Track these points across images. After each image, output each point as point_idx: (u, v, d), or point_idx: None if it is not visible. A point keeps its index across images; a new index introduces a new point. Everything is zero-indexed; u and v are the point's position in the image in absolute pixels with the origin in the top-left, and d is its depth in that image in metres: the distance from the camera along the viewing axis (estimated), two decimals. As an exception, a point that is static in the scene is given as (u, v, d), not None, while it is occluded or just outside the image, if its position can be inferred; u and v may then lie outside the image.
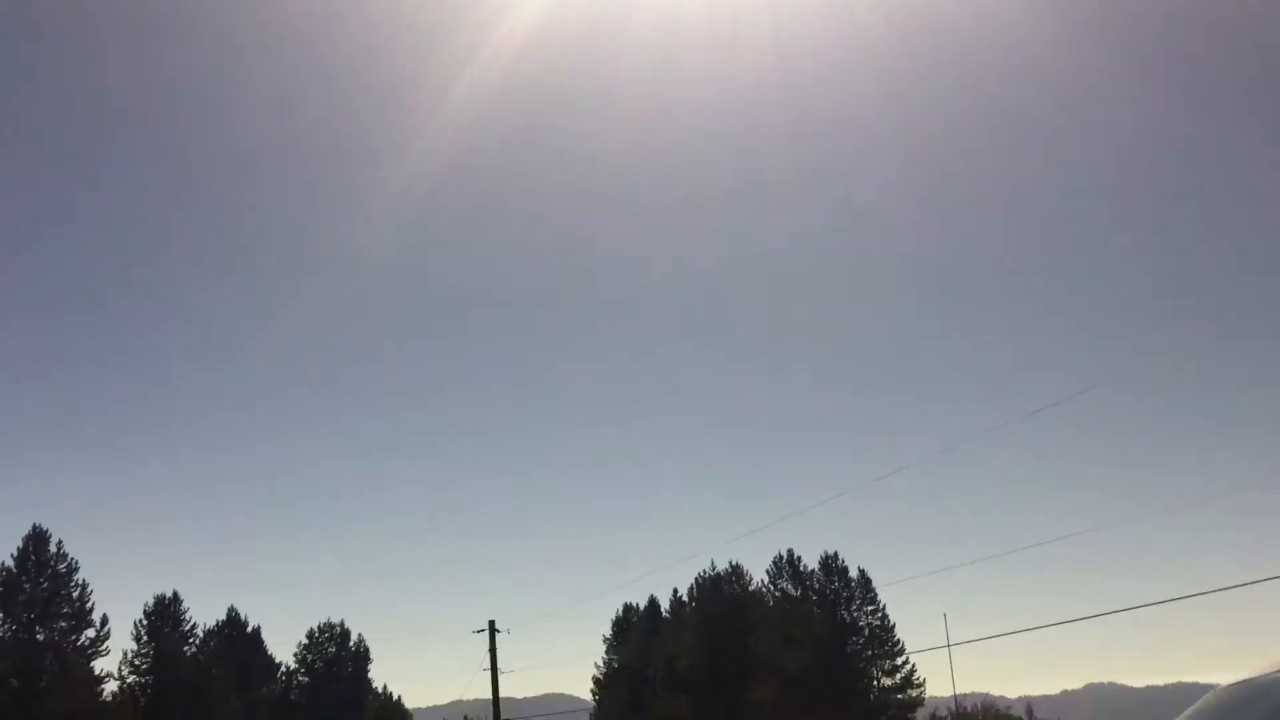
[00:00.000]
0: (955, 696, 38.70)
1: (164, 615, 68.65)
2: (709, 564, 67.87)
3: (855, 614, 61.97)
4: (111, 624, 61.00)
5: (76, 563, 60.26)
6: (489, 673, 53.80)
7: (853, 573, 62.64)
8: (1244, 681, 5.14)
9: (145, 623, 67.95)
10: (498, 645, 54.15)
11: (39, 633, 58.34)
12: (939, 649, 70.71)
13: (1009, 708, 37.98)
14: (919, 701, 59.31)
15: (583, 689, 78.38)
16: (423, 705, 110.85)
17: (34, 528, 59.98)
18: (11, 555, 59.05)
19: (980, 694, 40.17)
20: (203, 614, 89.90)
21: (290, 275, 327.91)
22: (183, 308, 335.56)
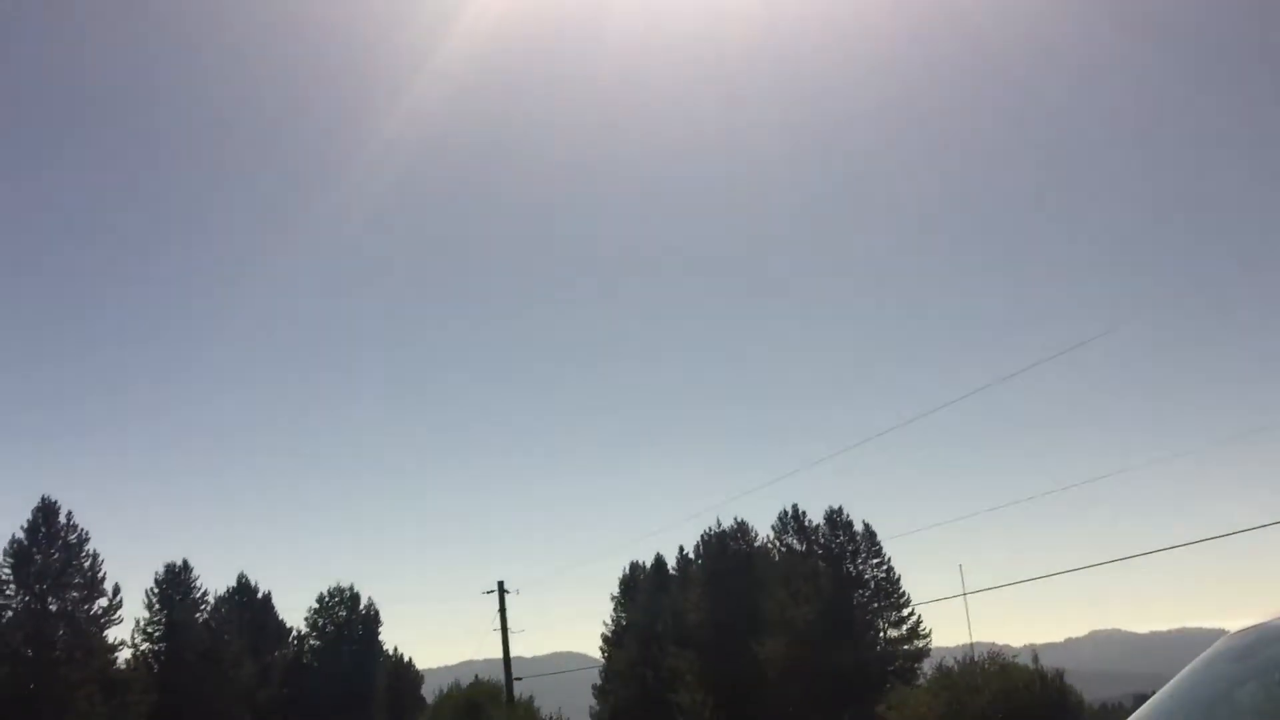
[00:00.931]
0: (972, 644, 38.94)
1: (175, 583, 69.18)
2: (714, 521, 68.22)
3: (860, 567, 62.31)
4: (123, 593, 61.44)
5: (87, 533, 60.60)
6: (499, 633, 54.36)
7: (857, 526, 62.97)
8: (1255, 627, 5.20)
9: (156, 591, 68.49)
10: (507, 605, 54.69)
11: (51, 603, 58.72)
12: (946, 600, 71.22)
13: (1015, 656, 38.16)
14: (925, 652, 59.76)
15: (592, 647, 79.11)
16: (434, 666, 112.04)
17: (43, 499, 60.25)
18: (21, 527, 59.40)
19: (986, 643, 40.38)
20: (213, 581, 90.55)
21: (292, 242, 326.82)
22: (188, 279, 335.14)
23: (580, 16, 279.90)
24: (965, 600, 34.86)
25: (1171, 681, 5.26)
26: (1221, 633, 5.49)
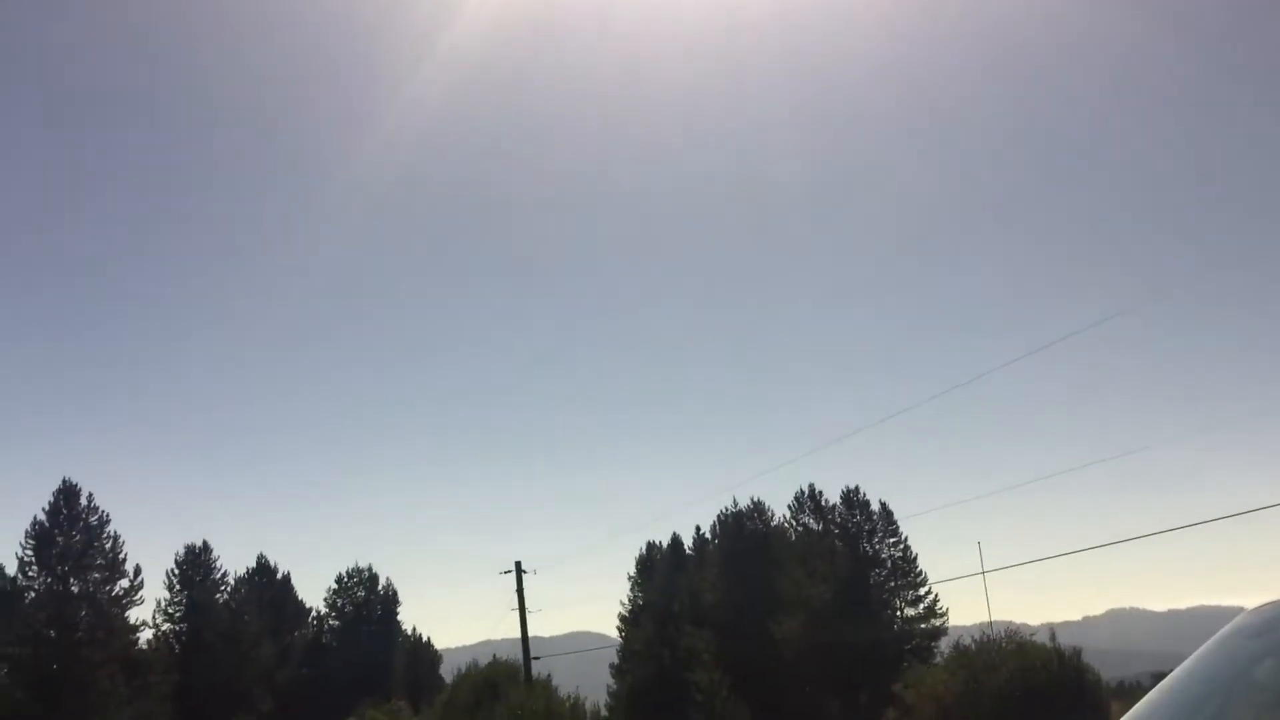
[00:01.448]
0: (991, 622, 38.95)
1: (195, 564, 69.76)
2: (731, 501, 68.30)
3: (877, 546, 62.30)
4: (144, 574, 61.92)
5: (108, 515, 61.05)
6: (517, 613, 54.63)
7: (874, 506, 62.93)
8: (1272, 603, 5.19)
9: (177, 572, 69.10)
10: (525, 585, 54.93)
11: (73, 585, 59.22)
12: (963, 578, 71.16)
13: (1033, 634, 38.12)
14: (942, 631, 59.74)
15: (609, 627, 79.37)
16: (452, 645, 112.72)
17: (64, 481, 60.72)
18: (43, 509, 59.91)
19: (1004, 622, 40.36)
20: (233, 562, 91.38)
21: (310, 222, 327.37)
22: (206, 259, 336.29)
23: (584, 8, 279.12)
24: (984, 579, 34.87)
25: (1189, 659, 5.27)
26: (1239, 610, 5.48)
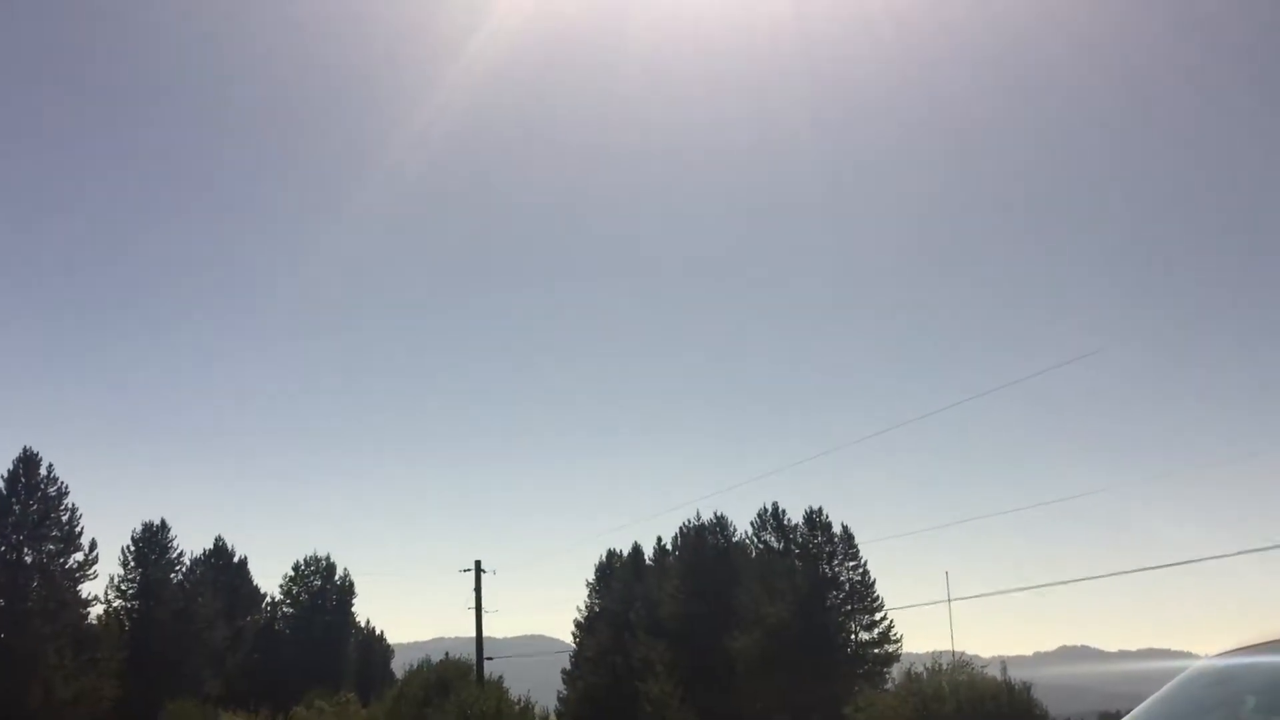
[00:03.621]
0: (942, 652, 39.23)
1: (152, 542, 69.12)
2: (694, 514, 68.43)
3: (836, 569, 62.48)
4: (100, 549, 61.34)
5: (66, 486, 60.49)
6: (473, 611, 54.54)
7: (835, 528, 63.14)
8: (1229, 652, 5.29)
9: (133, 549, 68.46)
10: (483, 585, 54.87)
11: (27, 554, 58.63)
12: (919, 606, 71.54)
13: (984, 666, 38.45)
14: (895, 657, 60.02)
15: (563, 632, 79.26)
16: (405, 641, 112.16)
17: (25, 450, 60.13)
18: (1, 477, 59.24)
19: (957, 652, 40.68)
20: (190, 543, 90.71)
21: (298, 201, 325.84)
22: (179, 235, 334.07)
23: (605, 10, 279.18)
24: (950, 608, 35.10)
25: (1143, 705, 5.36)
26: (1188, 654, 5.59)
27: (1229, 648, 5.31)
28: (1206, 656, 5.46)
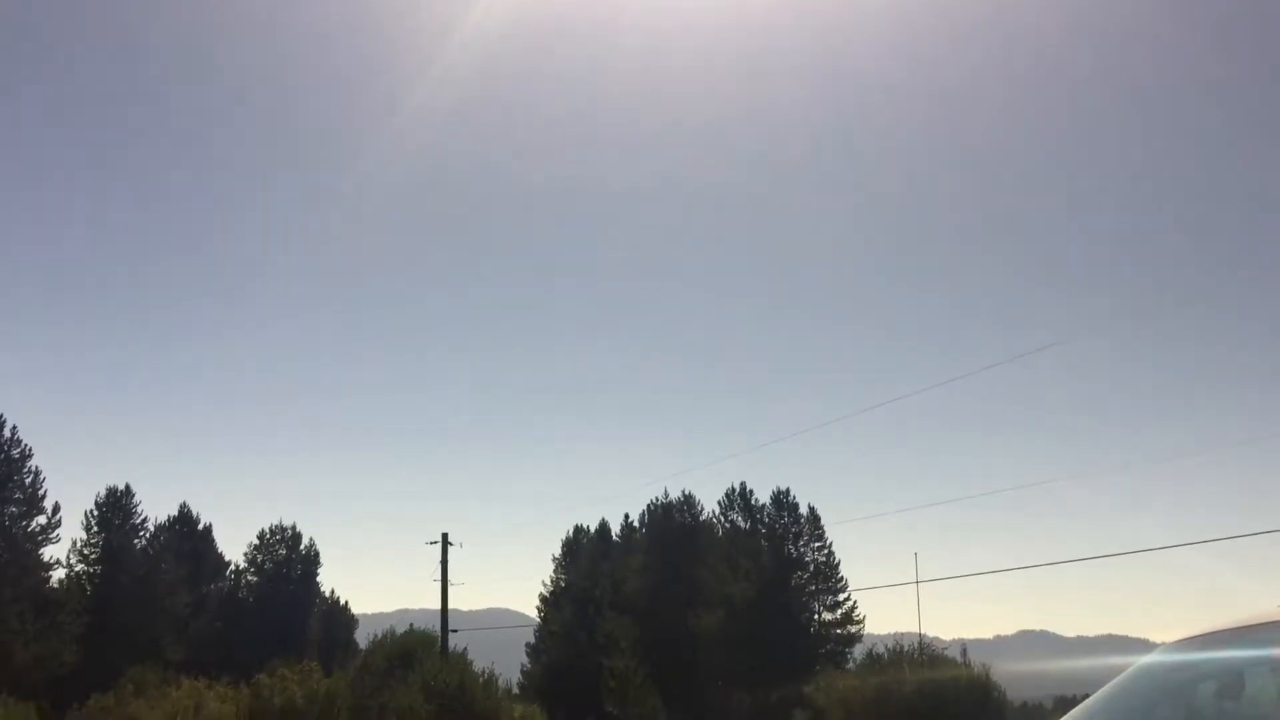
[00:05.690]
0: (922, 635, 39.67)
1: (115, 507, 68.52)
2: (662, 492, 68.61)
3: (802, 549, 62.93)
4: (63, 513, 60.80)
5: (30, 449, 59.84)
6: (438, 584, 54.50)
7: (803, 509, 63.54)
8: (1182, 641, 5.35)
9: (96, 513, 67.83)
10: (449, 558, 54.83)
11: (-11, 516, 58.04)
12: (882, 588, 72.10)
13: (944, 649, 38.91)
14: (857, 637, 60.61)
15: (528, 606, 79.34)
16: (369, 611, 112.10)
17: (-13, 411, 59.37)
18: (-37, 438, 58.57)
19: (917, 634, 41.10)
20: (155, 508, 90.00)
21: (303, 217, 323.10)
22: (151, 197, 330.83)
23: (594, 6, 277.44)
24: (918, 589, 35.39)
25: (1098, 693, 5.40)
26: (1145, 641, 5.65)
27: (1184, 636, 5.37)
28: (1163, 645, 5.52)
